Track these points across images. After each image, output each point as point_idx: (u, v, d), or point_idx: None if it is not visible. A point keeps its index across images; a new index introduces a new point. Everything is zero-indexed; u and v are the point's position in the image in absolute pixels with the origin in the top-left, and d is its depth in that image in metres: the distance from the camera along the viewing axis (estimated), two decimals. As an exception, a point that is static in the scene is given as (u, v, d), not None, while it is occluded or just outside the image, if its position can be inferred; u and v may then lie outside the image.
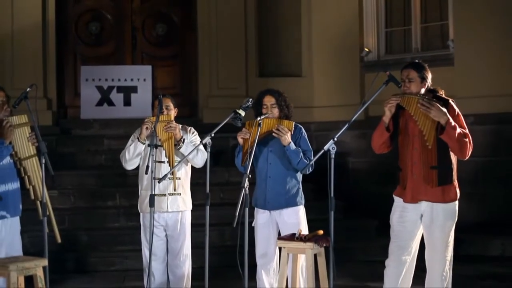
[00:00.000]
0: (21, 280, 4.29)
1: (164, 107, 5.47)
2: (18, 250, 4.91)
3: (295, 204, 5.28)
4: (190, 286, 5.70)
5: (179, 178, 5.55)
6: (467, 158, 4.86)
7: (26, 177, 4.95)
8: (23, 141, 4.94)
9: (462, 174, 8.35)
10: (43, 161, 4.80)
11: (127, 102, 9.81)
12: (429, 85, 4.92)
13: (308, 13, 10.05)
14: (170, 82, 10.23)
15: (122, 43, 10.15)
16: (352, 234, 7.87)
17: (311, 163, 5.05)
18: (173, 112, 5.63)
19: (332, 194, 4.53)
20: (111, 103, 9.81)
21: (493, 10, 8.77)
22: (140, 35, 10.17)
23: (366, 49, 9.83)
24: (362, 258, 7.27)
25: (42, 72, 9.51)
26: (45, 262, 4.54)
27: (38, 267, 4.42)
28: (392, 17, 9.95)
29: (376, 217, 7.94)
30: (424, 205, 4.86)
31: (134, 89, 9.85)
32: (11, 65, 9.44)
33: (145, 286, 5.44)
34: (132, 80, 9.86)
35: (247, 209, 4.83)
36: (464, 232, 7.98)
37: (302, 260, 4.92)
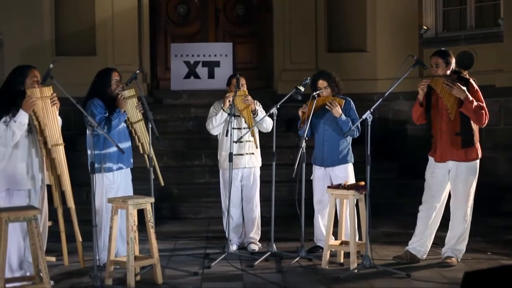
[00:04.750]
0: (135, 213, 5.24)
1: (240, 84, 6.49)
2: (130, 193, 5.94)
3: (345, 162, 6.34)
4: (260, 227, 6.72)
5: (253, 141, 6.62)
6: (484, 125, 5.76)
7: (136, 136, 6.01)
8: (133, 109, 5.96)
9: (505, 141, 9.13)
10: (150, 126, 5.76)
11: (211, 75, 10.40)
12: (453, 67, 5.80)
13: (372, -7, 10.44)
14: (248, 57, 10.79)
15: (206, 22, 10.77)
16: (403, 191, 8.62)
17: (354, 127, 6.07)
18: (245, 88, 6.62)
19: (369, 152, 5.51)
20: (197, 76, 10.43)
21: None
22: (222, 16, 10.76)
23: (425, 27, 10.21)
24: (409, 211, 7.57)
25: (138, 49, 10.29)
26: (152, 199, 5.38)
27: (148, 203, 5.28)
28: (449, -2, 10.30)
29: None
30: (450, 164, 5.84)
31: (217, 64, 10.43)
32: (111, 44, 10.26)
33: (225, 227, 6.49)
34: (215, 55, 10.44)
35: (304, 164, 5.94)
36: (505, 191, 8.84)
37: (347, 205, 5.91)
